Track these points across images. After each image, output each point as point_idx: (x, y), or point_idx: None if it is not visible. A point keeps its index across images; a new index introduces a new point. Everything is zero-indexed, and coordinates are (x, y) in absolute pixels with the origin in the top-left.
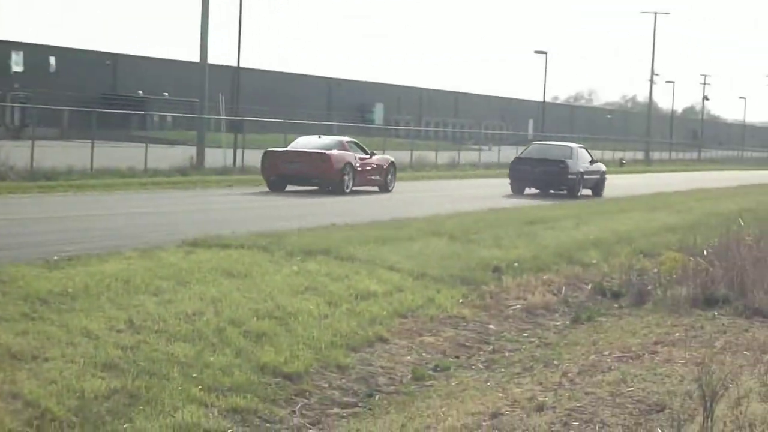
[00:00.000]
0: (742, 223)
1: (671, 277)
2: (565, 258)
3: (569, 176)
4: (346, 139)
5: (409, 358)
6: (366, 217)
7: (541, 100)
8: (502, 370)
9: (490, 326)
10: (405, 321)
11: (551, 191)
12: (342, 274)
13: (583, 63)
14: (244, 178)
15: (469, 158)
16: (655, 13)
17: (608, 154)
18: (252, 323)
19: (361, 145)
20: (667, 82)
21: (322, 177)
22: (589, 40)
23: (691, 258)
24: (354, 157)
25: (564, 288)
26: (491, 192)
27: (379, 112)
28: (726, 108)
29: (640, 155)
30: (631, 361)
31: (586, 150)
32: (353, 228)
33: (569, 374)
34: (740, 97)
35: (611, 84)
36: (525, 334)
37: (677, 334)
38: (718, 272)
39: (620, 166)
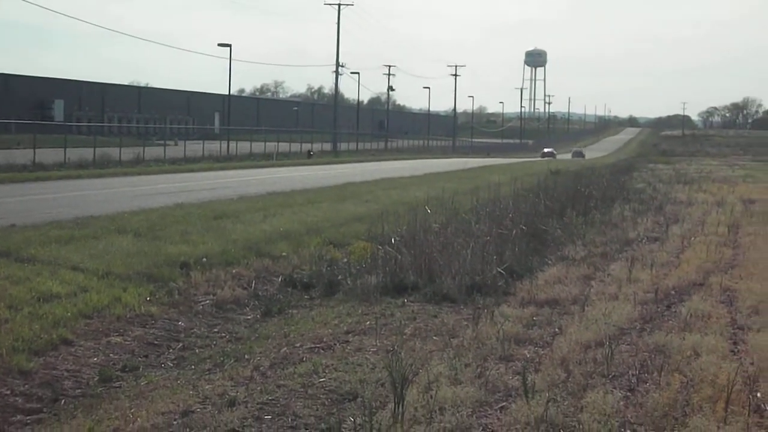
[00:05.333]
0: (429, 211)
1: (361, 266)
2: (255, 251)
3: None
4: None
5: (95, 359)
6: (47, 217)
7: (227, 93)
8: (193, 367)
9: (180, 323)
10: (91, 322)
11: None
12: (23, 276)
13: (269, 56)
14: None
15: (155, 154)
16: (339, 4)
17: (296, 146)
18: None
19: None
20: (352, 73)
21: (553, 157)
22: (275, 34)
23: (380, 247)
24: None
25: (254, 281)
26: (178, 187)
27: (59, 109)
28: (412, 98)
29: (328, 146)
30: (323, 351)
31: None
32: (35, 228)
33: (261, 368)
34: (425, 87)
35: (298, 76)
36: (215, 330)
37: (368, 323)
38: (407, 260)
39: (308, 157)
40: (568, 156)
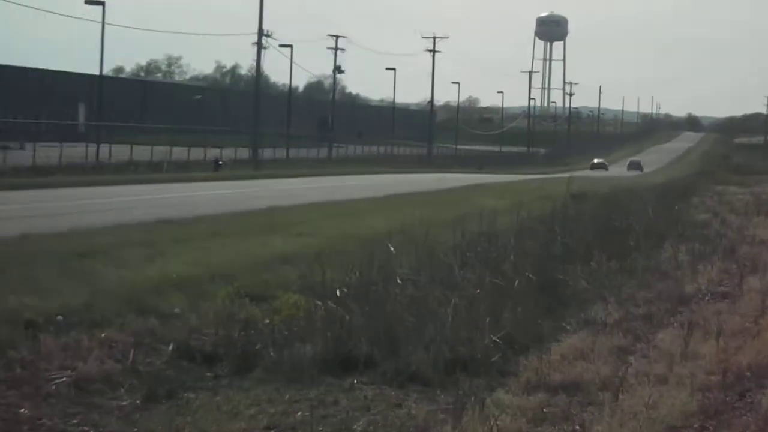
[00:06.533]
0: (392, 250)
1: (291, 330)
2: (135, 306)
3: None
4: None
5: None
6: None
7: (97, 73)
8: None
9: (23, 411)
10: None
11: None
12: None
13: (159, 20)
14: None
15: None
16: None
17: (198, 153)
18: None
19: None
20: (282, 46)
21: (605, 168)
22: None
23: (320, 302)
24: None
25: (133, 350)
26: (23, 210)
27: None
28: (370, 84)
29: (245, 153)
30: None
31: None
32: None
33: None
34: (388, 69)
35: (202, 49)
36: (74, 421)
37: (299, 414)
38: (359, 321)
39: (216, 169)
40: (623, 169)
